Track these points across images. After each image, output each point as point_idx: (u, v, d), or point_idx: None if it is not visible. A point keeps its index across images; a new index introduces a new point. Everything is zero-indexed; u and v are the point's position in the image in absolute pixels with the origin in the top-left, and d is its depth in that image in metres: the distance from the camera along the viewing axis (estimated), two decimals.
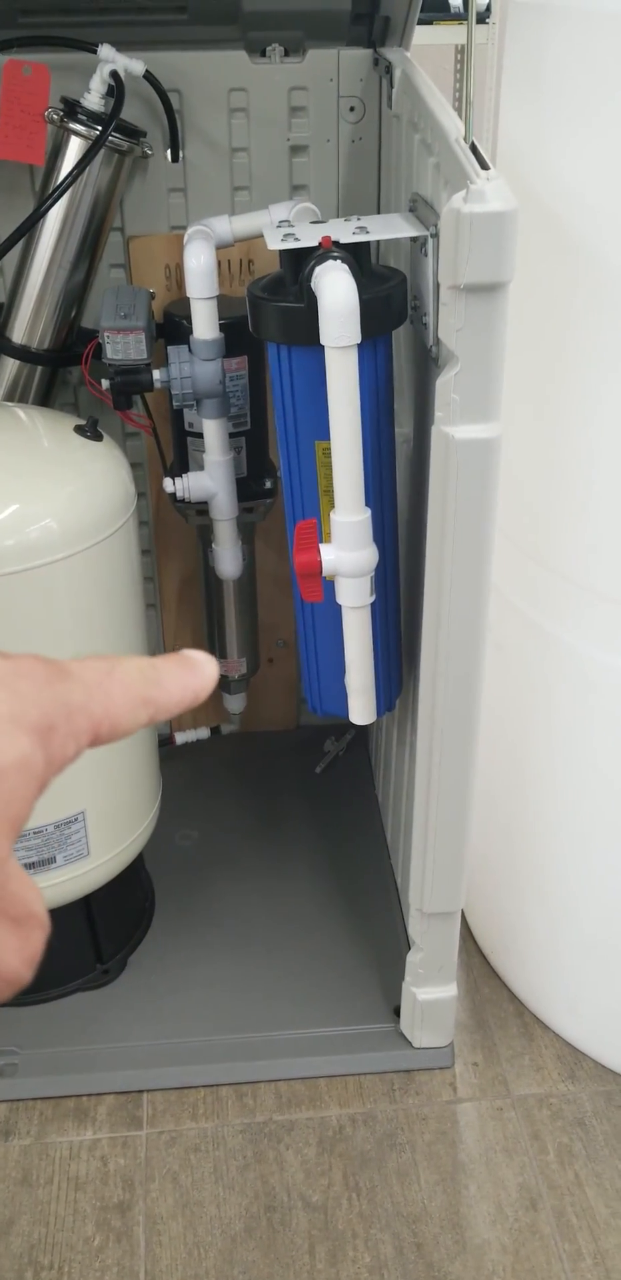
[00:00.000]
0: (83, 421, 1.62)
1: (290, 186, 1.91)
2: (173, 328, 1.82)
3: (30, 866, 1.64)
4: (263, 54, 1.83)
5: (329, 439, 1.42)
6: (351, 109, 1.87)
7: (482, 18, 4.45)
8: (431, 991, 1.69)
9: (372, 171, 1.91)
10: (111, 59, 1.70)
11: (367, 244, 1.42)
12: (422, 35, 1.79)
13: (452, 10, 4.24)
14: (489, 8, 4.45)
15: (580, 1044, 1.75)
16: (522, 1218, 1.54)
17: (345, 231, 1.42)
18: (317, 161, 1.90)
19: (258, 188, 1.90)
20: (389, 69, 1.71)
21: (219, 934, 1.94)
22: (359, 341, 1.35)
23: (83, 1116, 1.69)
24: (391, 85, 1.71)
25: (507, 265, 1.23)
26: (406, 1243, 1.51)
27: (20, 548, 1.49)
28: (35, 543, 1.49)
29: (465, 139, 1.31)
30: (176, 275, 1.92)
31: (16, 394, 1.86)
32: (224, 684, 2.18)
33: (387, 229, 1.46)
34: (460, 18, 4.24)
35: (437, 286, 1.34)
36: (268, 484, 1.95)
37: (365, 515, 1.44)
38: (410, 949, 1.70)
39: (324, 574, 1.47)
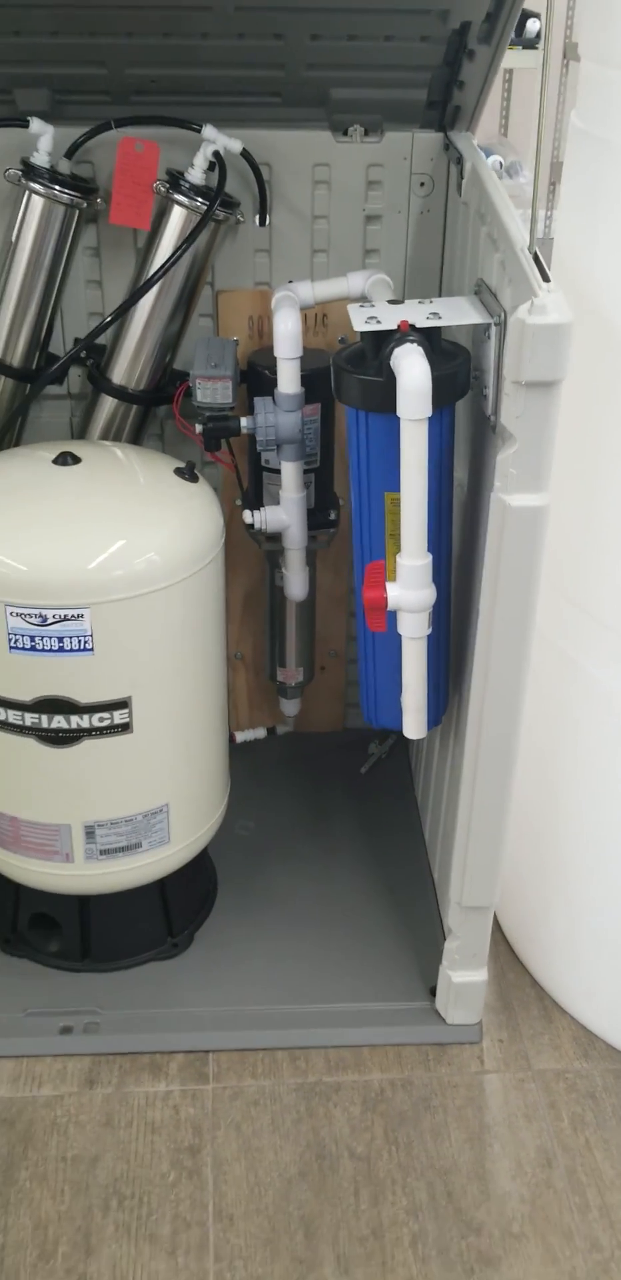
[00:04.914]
0: (182, 465, 1.85)
1: (363, 250, 2.13)
2: (255, 376, 2.05)
3: (120, 851, 1.88)
4: (345, 133, 2.04)
5: (397, 490, 1.64)
6: (421, 184, 2.09)
7: (532, 44, 4.64)
8: (465, 975, 1.93)
9: (437, 240, 2.13)
10: (214, 139, 1.92)
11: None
12: None
13: None
14: (539, 34, 4.63)
15: (594, 1027, 1.99)
16: (539, 1174, 1.78)
17: (420, 315, 1.64)
18: (389, 230, 2.12)
19: (335, 251, 2.12)
20: (460, 160, 1.93)
21: (274, 915, 2.17)
22: (430, 415, 1.57)
23: (157, 1071, 1.93)
24: (461, 175, 1.92)
25: (562, 366, 1.46)
26: (439, 1190, 1.75)
27: (127, 578, 1.72)
28: (140, 574, 1.73)
29: (529, 249, 1.54)
30: (258, 325, 2.15)
31: (112, 430, 2.09)
32: (282, 689, 2.41)
33: (457, 315, 1.67)
34: (511, 43, 4.41)
35: (499, 367, 1.56)
36: (332, 515, 2.18)
37: (427, 560, 1.66)
38: (447, 937, 1.93)
39: (388, 608, 1.69)
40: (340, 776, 2.51)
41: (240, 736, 2.47)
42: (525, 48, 4.60)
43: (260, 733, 2.50)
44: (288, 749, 2.55)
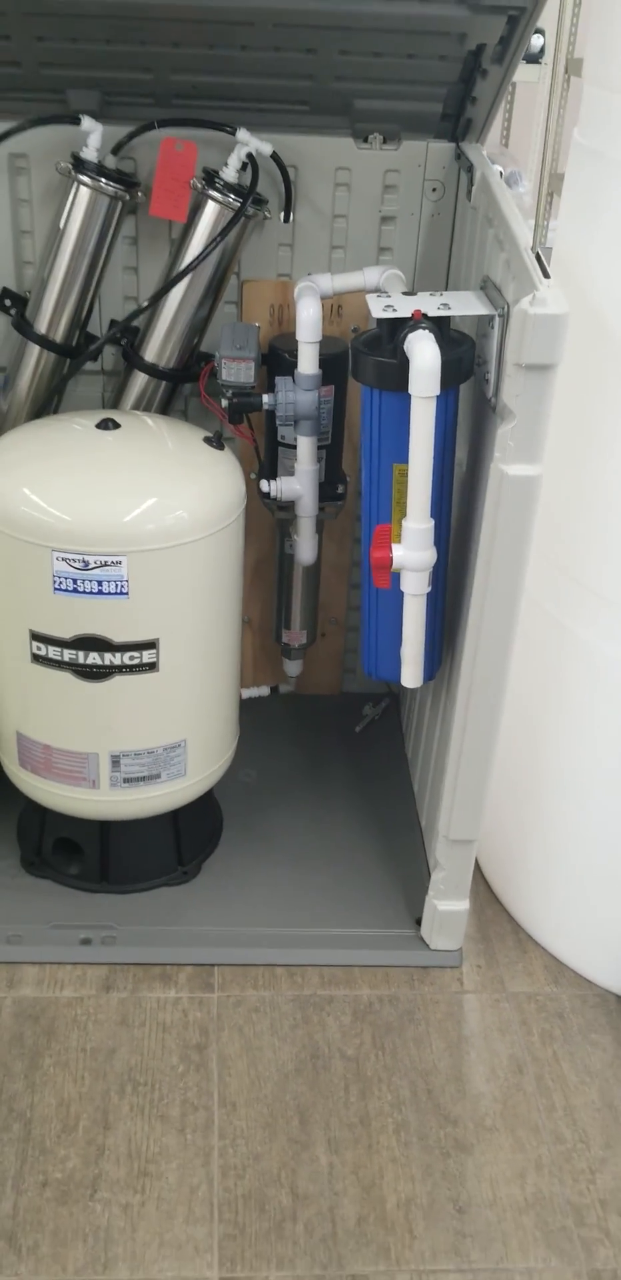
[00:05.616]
0: (210, 434, 2.06)
1: (378, 248, 2.34)
2: (275, 359, 2.25)
3: (142, 780, 2.08)
4: (365, 141, 2.25)
5: (404, 462, 1.85)
6: (433, 189, 2.30)
7: (535, 58, 4.81)
8: (449, 904, 2.14)
9: (445, 240, 2.34)
10: (247, 141, 2.13)
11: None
12: None
13: None
14: (542, 49, 4.78)
15: (563, 958, 2.21)
16: (511, 1079, 1.99)
17: (432, 305, 1.85)
18: (402, 229, 2.33)
19: (351, 247, 2.34)
20: (470, 169, 2.14)
21: (274, 851, 2.38)
22: (438, 394, 1.78)
23: (167, 980, 2.13)
24: (471, 183, 2.13)
25: (558, 352, 1.67)
26: (420, 1088, 1.96)
27: (158, 531, 1.92)
28: (170, 528, 1.93)
29: (532, 249, 1.75)
30: (278, 313, 2.36)
31: (142, 403, 2.30)
32: (286, 650, 2.62)
33: (465, 306, 1.88)
34: None
35: (501, 354, 1.77)
36: (340, 489, 2.38)
37: (430, 524, 1.87)
38: (434, 869, 2.14)
39: (393, 567, 1.90)
40: (336, 734, 2.72)
41: (245, 693, 2.67)
42: (528, 62, 4.72)
43: (264, 690, 2.70)
44: (288, 707, 2.76)
